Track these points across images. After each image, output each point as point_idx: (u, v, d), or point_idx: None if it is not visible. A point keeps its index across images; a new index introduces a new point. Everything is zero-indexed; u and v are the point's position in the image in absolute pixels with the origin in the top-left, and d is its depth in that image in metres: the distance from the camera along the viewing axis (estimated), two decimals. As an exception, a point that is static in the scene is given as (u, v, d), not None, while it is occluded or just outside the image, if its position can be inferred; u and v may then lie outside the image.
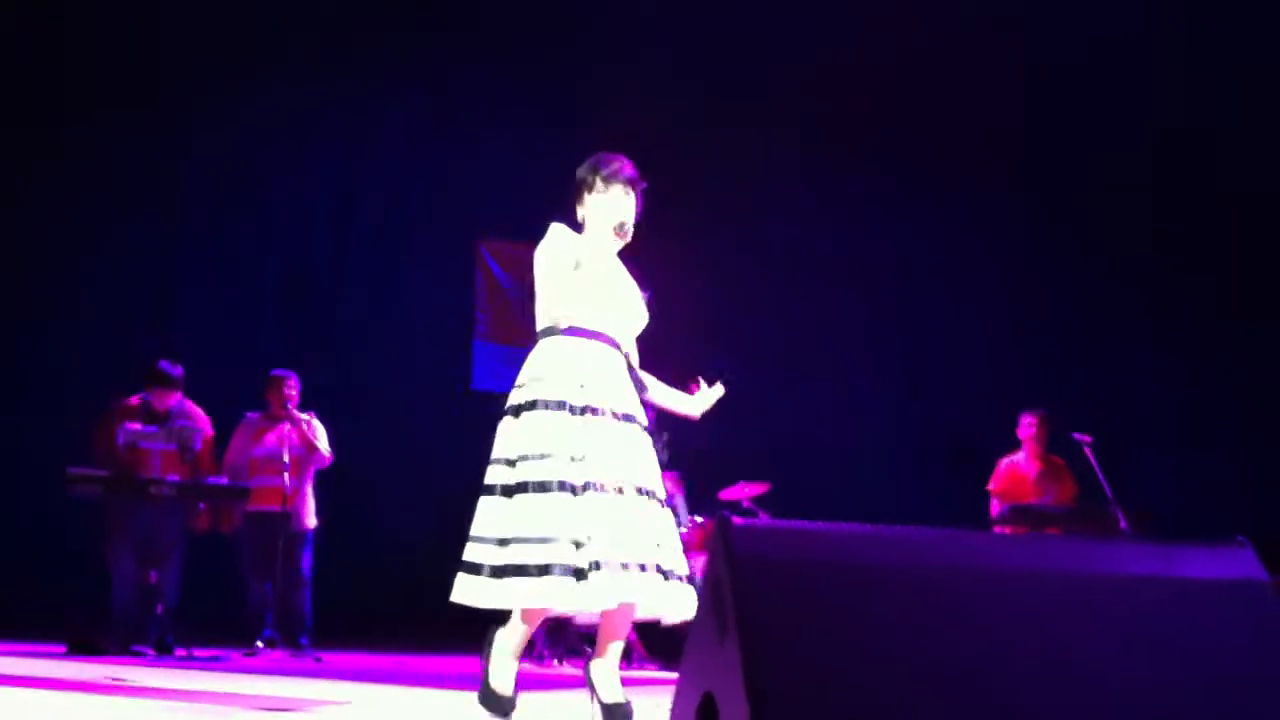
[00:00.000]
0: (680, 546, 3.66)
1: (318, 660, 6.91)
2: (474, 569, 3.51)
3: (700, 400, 4.07)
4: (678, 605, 3.53)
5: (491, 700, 3.64)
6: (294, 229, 10.42)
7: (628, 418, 3.62)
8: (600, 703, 3.56)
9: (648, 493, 3.56)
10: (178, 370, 7.32)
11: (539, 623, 3.78)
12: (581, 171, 3.87)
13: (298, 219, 10.44)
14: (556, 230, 3.77)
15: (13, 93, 9.32)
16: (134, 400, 7.31)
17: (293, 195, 10.42)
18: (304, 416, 7.58)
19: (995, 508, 7.99)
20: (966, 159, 10.15)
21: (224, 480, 7.34)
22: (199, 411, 7.44)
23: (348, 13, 10.18)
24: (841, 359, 10.50)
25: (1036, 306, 10.22)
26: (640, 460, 3.59)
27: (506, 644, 3.66)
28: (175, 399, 7.31)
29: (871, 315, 10.59)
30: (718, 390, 4.08)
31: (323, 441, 7.61)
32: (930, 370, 10.28)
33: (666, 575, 3.51)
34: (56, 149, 9.40)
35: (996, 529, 7.70)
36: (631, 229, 3.76)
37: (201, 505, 7.28)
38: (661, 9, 10.15)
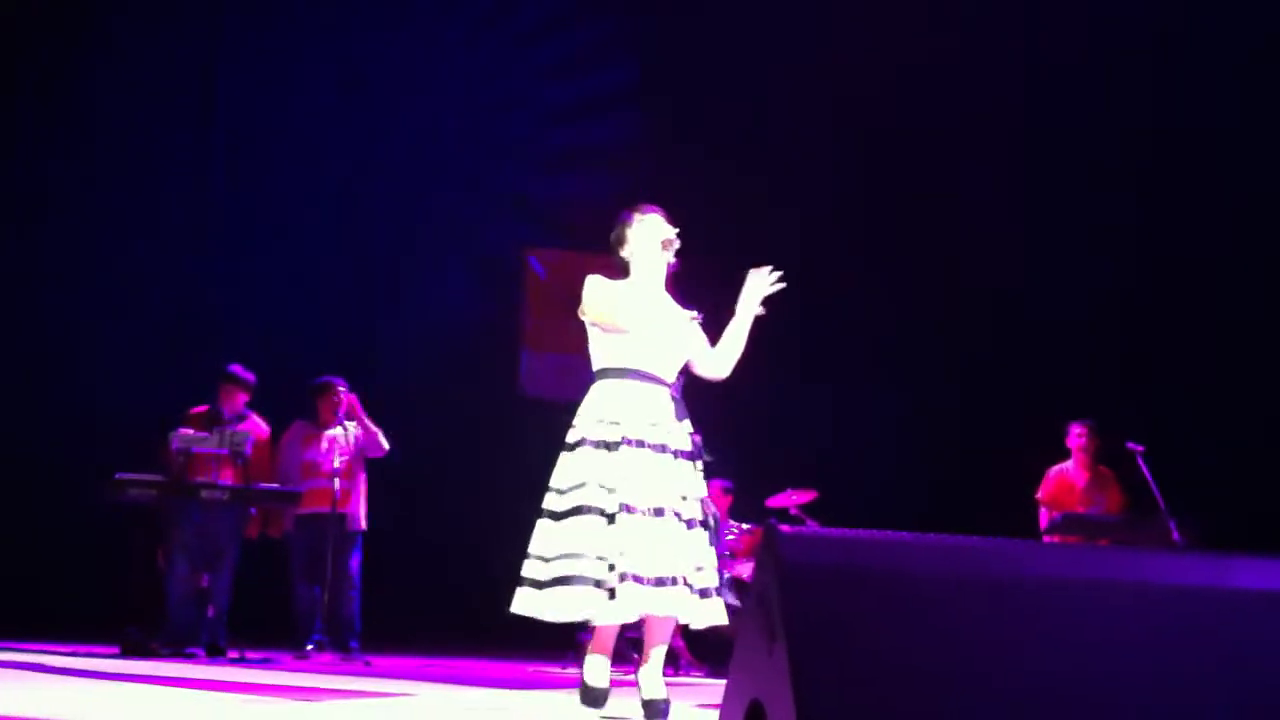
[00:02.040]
0: (714, 563, 4.11)
1: (367, 664, 6.96)
2: (522, 582, 4.04)
3: (746, 303, 4.31)
4: (706, 615, 4.01)
5: (584, 693, 4.11)
6: (347, 235, 10.52)
7: (661, 448, 4.05)
8: (640, 699, 4.05)
9: (678, 515, 4.00)
10: (250, 375, 7.48)
11: (616, 629, 4.14)
12: (617, 224, 4.31)
13: (351, 226, 10.54)
14: (591, 283, 4.20)
15: (55, 89, 9.47)
16: (201, 409, 7.45)
17: (345, 204, 10.51)
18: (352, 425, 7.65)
19: (1044, 516, 7.93)
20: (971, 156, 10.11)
21: (275, 485, 7.42)
22: (260, 421, 7.55)
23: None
24: (892, 365, 10.45)
25: (1085, 313, 10.12)
26: (672, 486, 4.02)
27: (592, 644, 4.13)
28: (242, 401, 7.45)
29: (918, 320, 10.52)
30: (756, 285, 4.31)
31: (379, 435, 7.67)
32: (980, 378, 10.19)
33: (694, 590, 3.98)
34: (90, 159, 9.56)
35: (1046, 538, 7.64)
36: (676, 246, 4.22)
37: (253, 510, 7.37)
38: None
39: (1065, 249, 10.00)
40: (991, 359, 9.95)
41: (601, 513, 3.92)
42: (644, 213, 4.28)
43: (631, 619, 3.95)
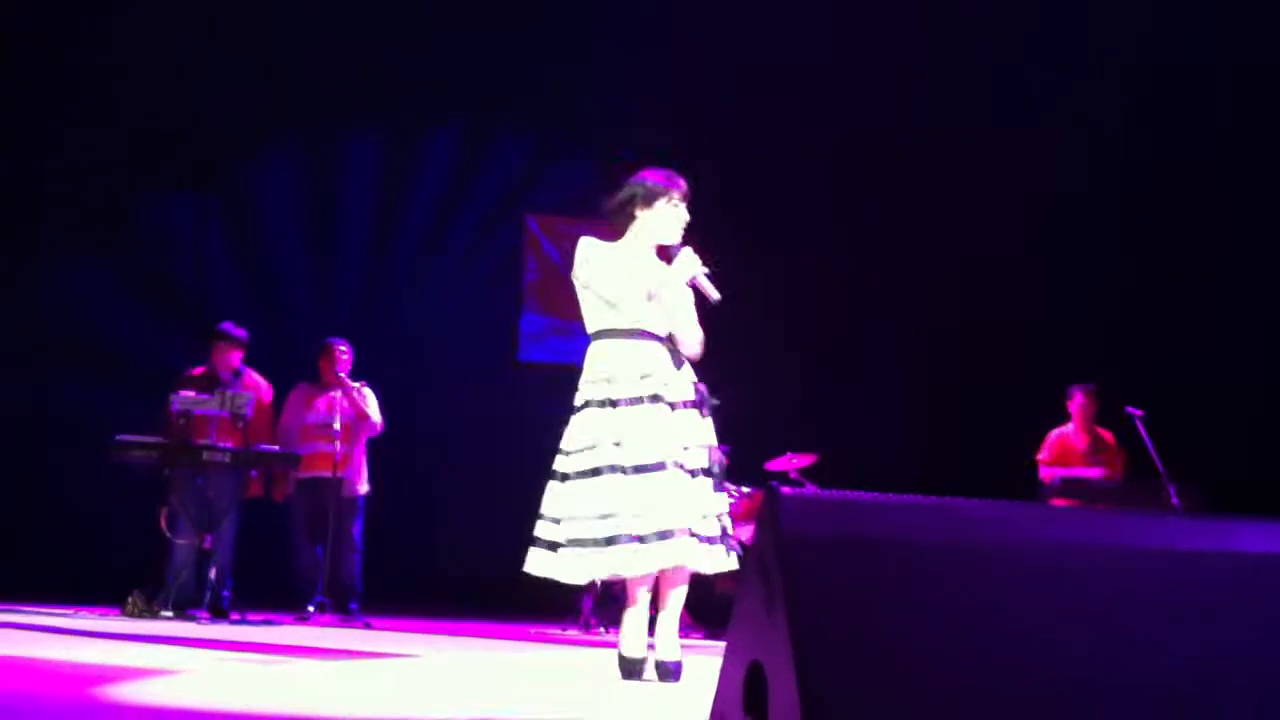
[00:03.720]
0: (721, 510, 4.16)
1: (367, 626, 7.00)
2: (535, 543, 4.11)
3: (671, 273, 4.25)
4: (713, 563, 4.07)
5: (621, 663, 4.15)
6: (347, 201, 10.49)
7: (655, 399, 4.07)
8: (653, 659, 4.12)
9: (680, 465, 4.03)
10: (241, 332, 7.46)
11: (646, 583, 4.12)
12: (641, 187, 4.26)
13: (348, 190, 10.51)
14: (583, 245, 4.23)
15: (53, 74, 9.41)
16: (199, 370, 7.44)
17: (343, 168, 10.48)
18: (355, 385, 7.64)
19: (1046, 475, 7.99)
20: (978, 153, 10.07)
21: (276, 447, 7.43)
22: (259, 379, 7.54)
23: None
24: (891, 327, 10.45)
25: (1086, 278, 10.11)
26: (670, 437, 4.04)
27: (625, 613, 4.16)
28: (237, 358, 7.43)
29: (917, 283, 10.50)
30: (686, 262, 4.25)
31: (374, 409, 7.68)
32: (973, 342, 10.19)
33: (702, 538, 4.04)
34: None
35: (1046, 500, 7.68)
36: (677, 240, 4.25)
37: (254, 472, 7.38)
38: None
39: (1065, 217, 9.97)
40: (991, 320, 9.94)
41: (611, 469, 3.99)
42: (682, 195, 4.27)
43: (635, 574, 4.00)
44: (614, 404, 4.06)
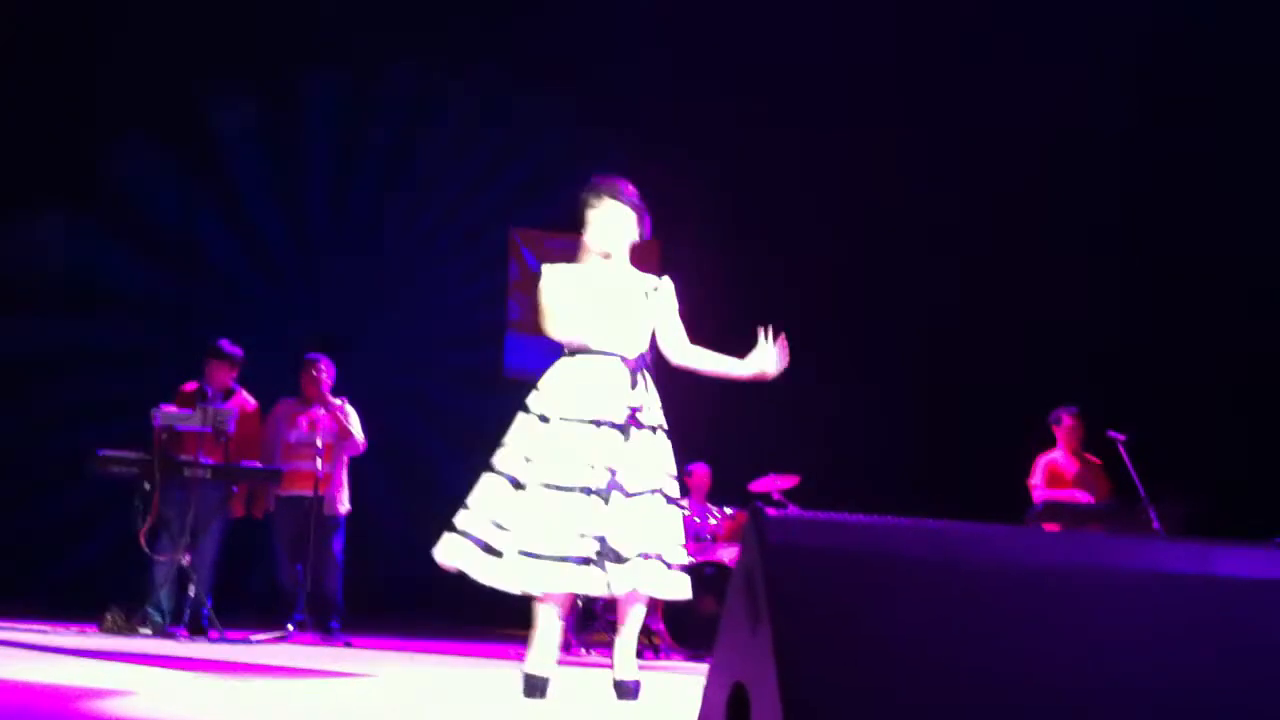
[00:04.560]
0: (675, 536, 4.12)
1: (348, 645, 6.96)
2: (464, 536, 4.04)
3: (757, 359, 4.38)
4: (633, 581, 3.96)
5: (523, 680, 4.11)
6: (331, 216, 10.49)
7: (606, 423, 4.04)
8: (612, 679, 4.14)
9: (619, 487, 3.99)
10: (238, 351, 7.43)
11: (546, 601, 4.11)
12: (578, 201, 4.33)
13: (336, 206, 10.50)
14: (544, 273, 4.28)
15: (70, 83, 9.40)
16: (192, 386, 7.41)
17: (330, 183, 10.48)
18: (336, 402, 7.62)
19: (1038, 498, 7.92)
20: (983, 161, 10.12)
21: (257, 464, 7.40)
22: (247, 396, 7.51)
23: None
24: (873, 352, 10.46)
25: (1068, 302, 10.15)
26: (614, 459, 4.00)
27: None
28: (230, 377, 7.42)
29: (900, 309, 10.54)
30: (767, 348, 4.37)
31: (355, 427, 7.65)
32: (955, 364, 10.21)
33: (623, 558, 3.96)
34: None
35: (1030, 524, 7.66)
36: (621, 241, 4.26)
37: (235, 489, 7.35)
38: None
39: (1065, 216, 10.02)
40: (975, 346, 9.97)
41: (512, 480, 4.03)
42: (597, 194, 4.29)
43: (513, 590, 4.01)
44: (544, 419, 4.08)
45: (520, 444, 4.08)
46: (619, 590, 3.97)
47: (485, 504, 4.04)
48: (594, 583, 3.94)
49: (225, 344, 7.45)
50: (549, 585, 3.95)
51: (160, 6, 9.70)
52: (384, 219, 10.64)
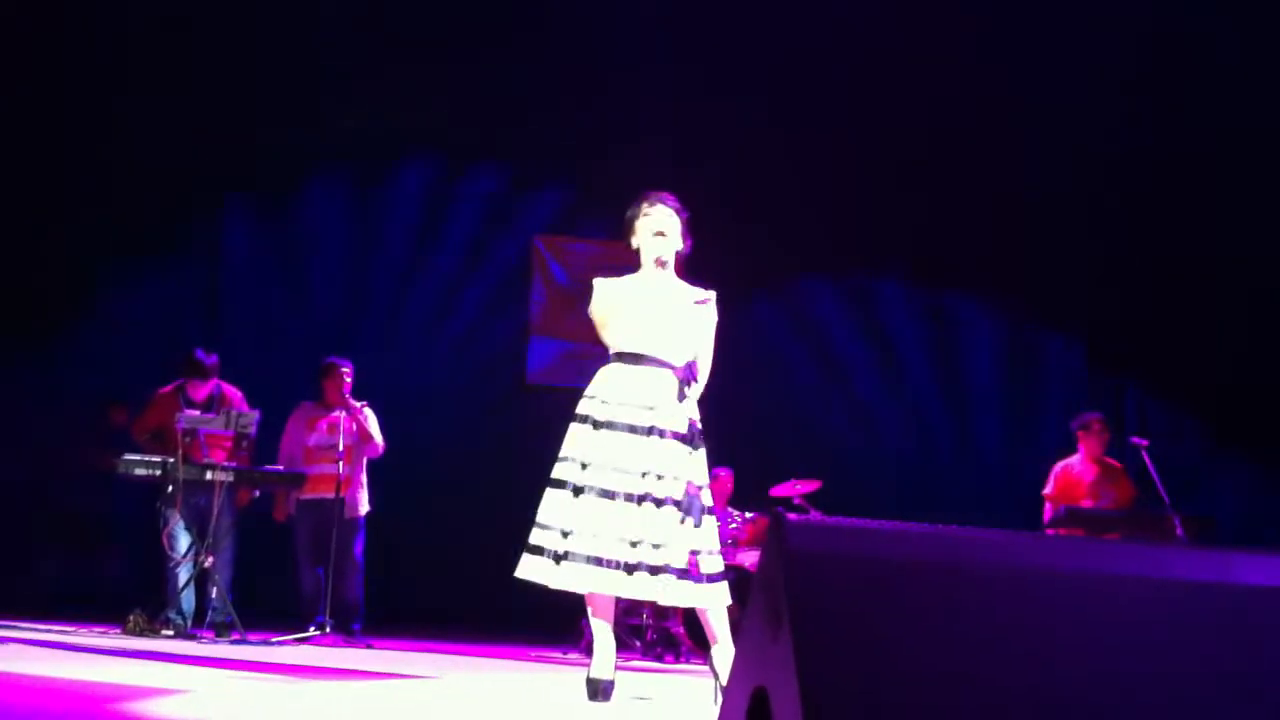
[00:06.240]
0: (681, 542, 4.10)
1: (369, 647, 6.98)
2: (539, 554, 4.19)
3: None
4: (649, 591, 4.06)
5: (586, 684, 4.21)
6: (353, 222, 10.52)
7: (648, 430, 4.15)
8: (720, 686, 4.07)
9: (641, 496, 4.09)
10: (212, 359, 7.39)
11: (594, 603, 4.27)
12: (632, 205, 4.44)
13: (356, 212, 10.54)
14: (595, 289, 4.39)
15: (71, 80, 9.45)
16: (168, 389, 7.40)
17: (352, 190, 10.51)
18: (357, 405, 7.64)
19: (1049, 512, 7.88)
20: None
21: (279, 467, 7.43)
22: (235, 393, 7.52)
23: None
24: (896, 358, 10.45)
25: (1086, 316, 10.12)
26: (645, 466, 4.11)
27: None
28: (212, 385, 7.41)
29: (922, 315, 10.52)
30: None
31: (375, 431, 7.67)
32: (978, 372, 10.20)
33: (645, 567, 4.03)
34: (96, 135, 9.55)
35: (1049, 532, 7.61)
36: (672, 249, 4.36)
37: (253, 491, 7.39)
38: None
39: (1052, 245, 10.00)
40: (998, 350, 9.95)
41: (572, 487, 4.15)
42: (649, 203, 4.40)
43: (582, 591, 4.14)
44: (600, 425, 4.18)
45: (575, 452, 4.20)
46: (667, 600, 4.09)
47: (552, 517, 4.16)
48: (638, 588, 4.05)
49: (200, 354, 7.37)
50: (592, 586, 4.09)
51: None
52: (409, 224, 10.66)
